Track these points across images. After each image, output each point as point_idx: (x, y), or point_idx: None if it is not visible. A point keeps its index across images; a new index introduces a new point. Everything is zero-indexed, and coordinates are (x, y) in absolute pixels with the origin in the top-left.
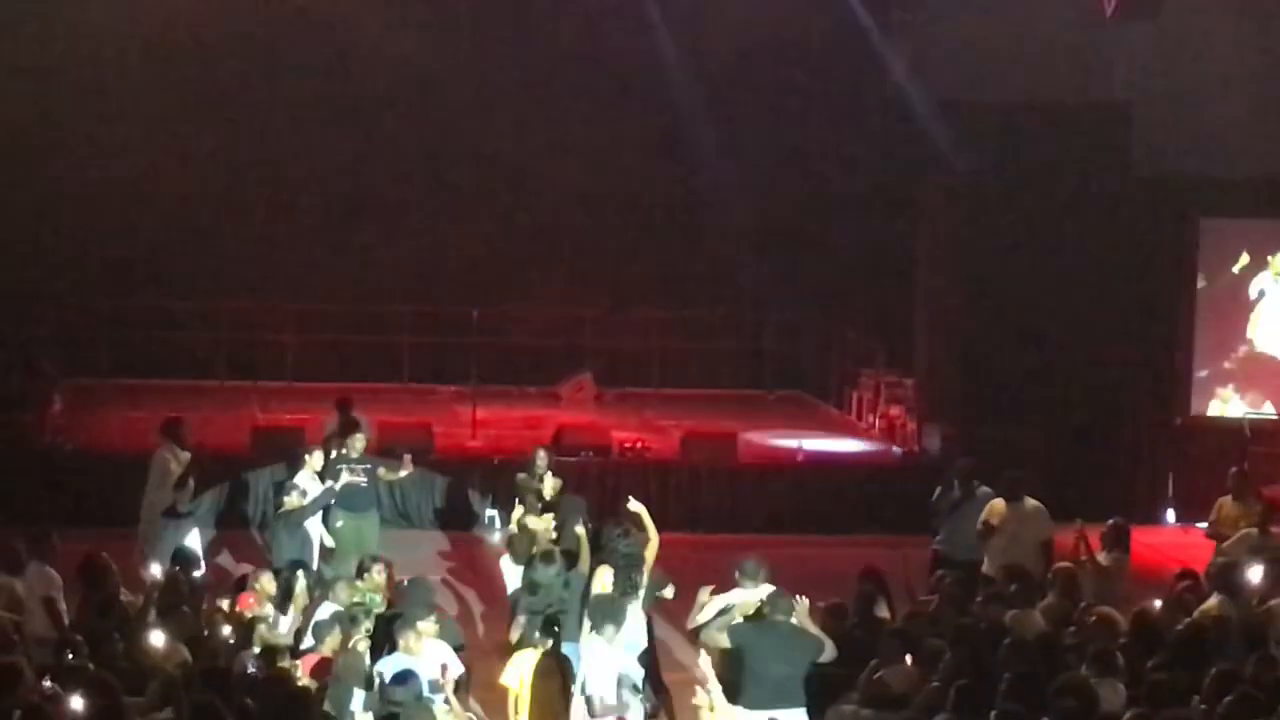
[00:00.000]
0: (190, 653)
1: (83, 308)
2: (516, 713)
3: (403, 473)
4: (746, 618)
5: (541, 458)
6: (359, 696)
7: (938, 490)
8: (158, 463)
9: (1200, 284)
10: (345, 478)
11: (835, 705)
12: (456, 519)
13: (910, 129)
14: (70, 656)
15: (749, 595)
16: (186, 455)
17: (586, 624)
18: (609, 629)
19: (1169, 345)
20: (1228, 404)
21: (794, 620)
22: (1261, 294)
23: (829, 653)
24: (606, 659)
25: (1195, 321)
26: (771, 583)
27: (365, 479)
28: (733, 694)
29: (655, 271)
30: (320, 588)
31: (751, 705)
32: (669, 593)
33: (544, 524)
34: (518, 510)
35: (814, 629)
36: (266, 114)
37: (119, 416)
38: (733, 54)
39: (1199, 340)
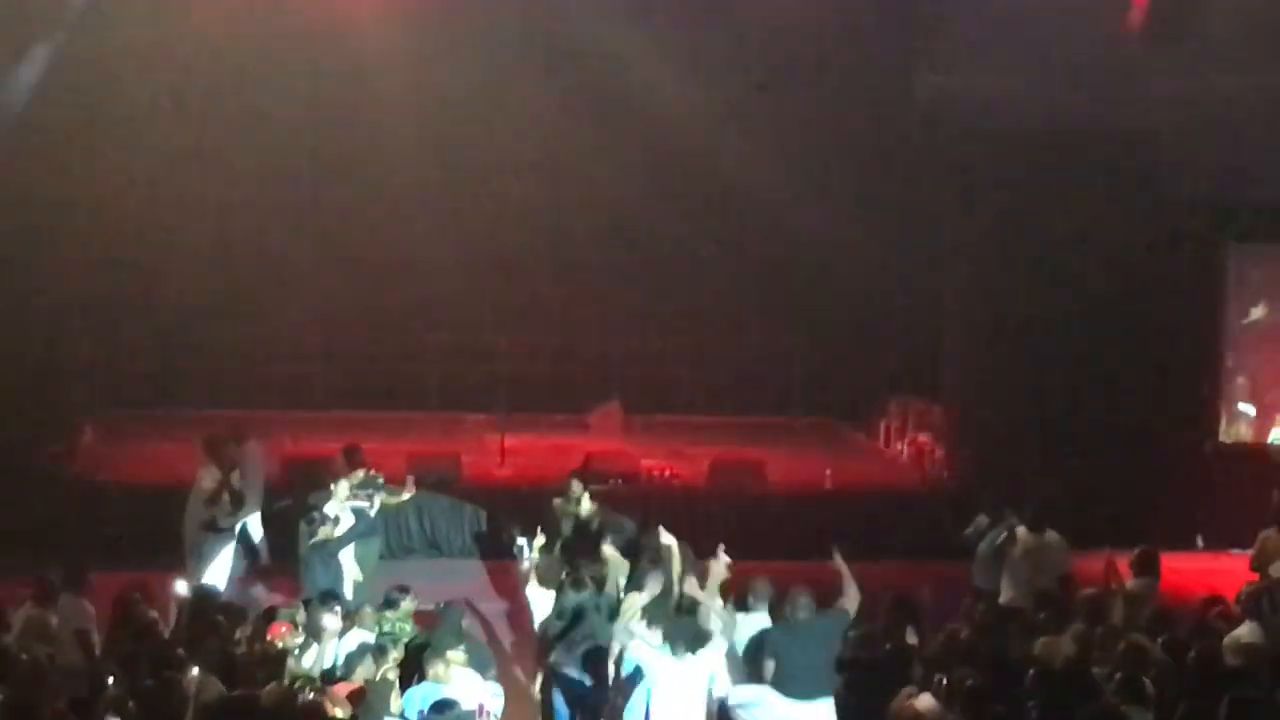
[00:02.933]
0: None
1: (112, 336)
2: None
3: (405, 495)
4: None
5: (576, 485)
6: None
7: (978, 520)
8: (197, 479)
9: (1260, 313)
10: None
11: None
12: (487, 548)
13: (938, 156)
14: (110, 682)
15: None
16: (218, 473)
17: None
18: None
19: (1199, 371)
20: None
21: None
22: None
23: (853, 598)
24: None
25: (1225, 347)
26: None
27: (367, 504)
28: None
29: (684, 297)
30: (350, 618)
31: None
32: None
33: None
34: (539, 538)
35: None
36: (298, 140)
37: (150, 448)
38: (759, 75)
39: (1261, 369)
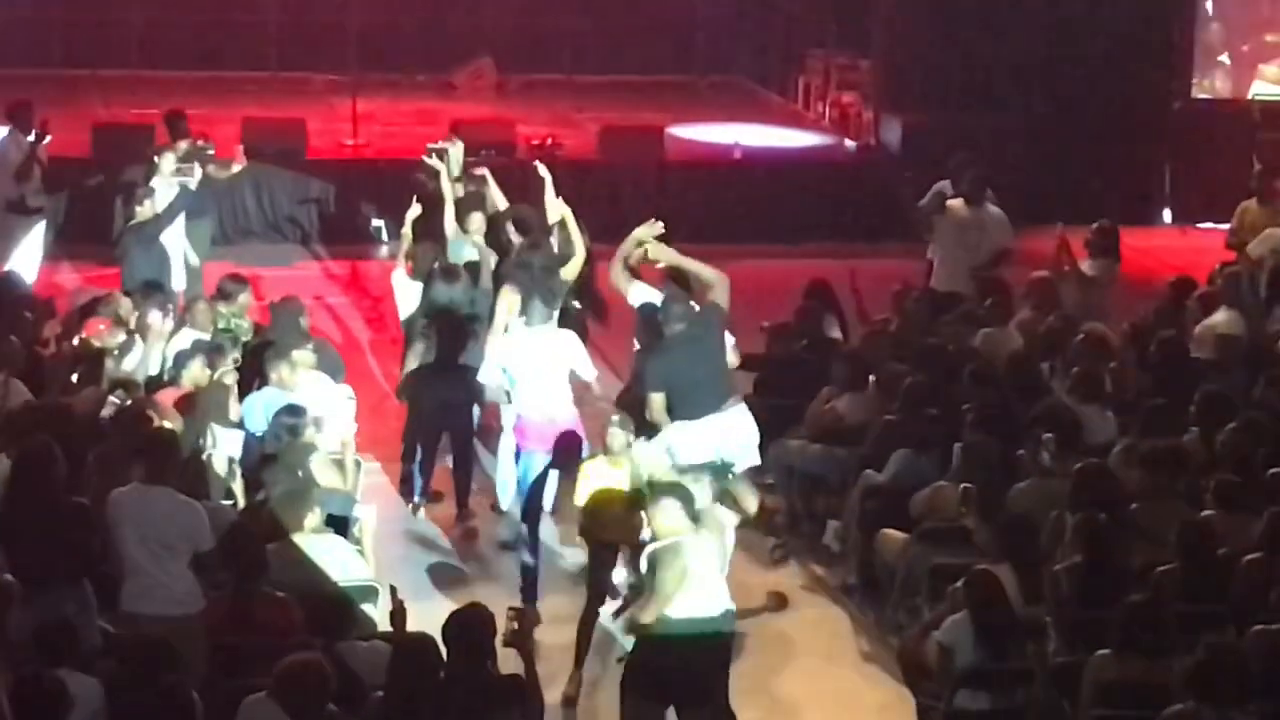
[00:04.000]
0: (27, 389)
1: None
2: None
3: (236, 168)
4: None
5: (455, 155)
6: (225, 436)
7: (938, 186)
8: None
9: None
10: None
11: (779, 439)
12: (338, 231)
13: None
14: None
15: None
16: (29, 141)
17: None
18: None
19: (1165, 13)
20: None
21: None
22: None
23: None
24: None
25: None
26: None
27: (190, 179)
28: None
29: None
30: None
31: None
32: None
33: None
34: (413, 209)
35: None
36: None
37: None
38: None
39: (1241, 13)
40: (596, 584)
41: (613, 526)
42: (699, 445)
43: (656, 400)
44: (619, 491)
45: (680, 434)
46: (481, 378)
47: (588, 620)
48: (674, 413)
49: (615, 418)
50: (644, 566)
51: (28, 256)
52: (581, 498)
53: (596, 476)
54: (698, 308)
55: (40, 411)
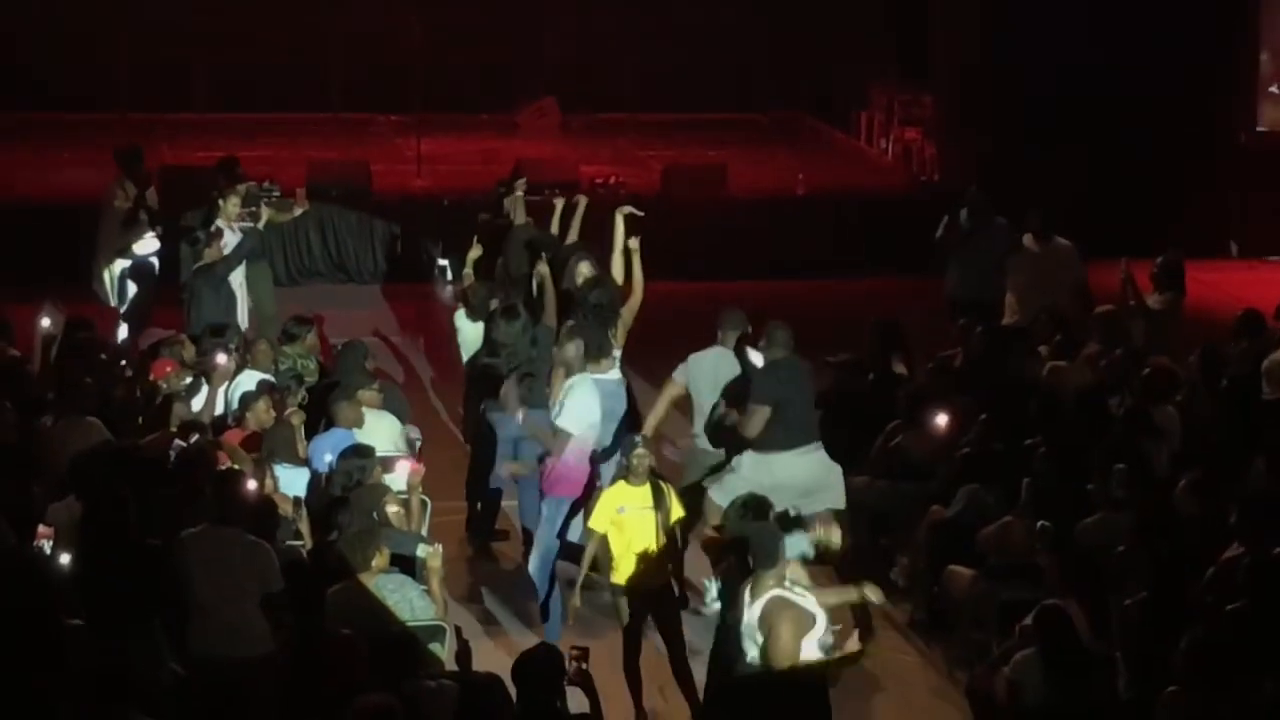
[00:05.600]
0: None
1: None
2: (614, 560)
3: (298, 210)
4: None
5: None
6: (291, 476)
7: (944, 222)
8: (106, 198)
9: None
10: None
11: (845, 475)
12: (402, 270)
13: None
14: None
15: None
16: (133, 190)
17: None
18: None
19: (1230, 46)
20: None
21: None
22: None
23: None
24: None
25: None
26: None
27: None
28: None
29: None
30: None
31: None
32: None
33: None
34: (474, 250)
35: None
36: None
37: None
38: None
39: None
40: (632, 634)
41: (648, 577)
42: (787, 482)
43: (760, 414)
44: (649, 546)
45: (767, 468)
46: (566, 424)
47: (631, 666)
48: (769, 435)
49: (638, 439)
50: (755, 621)
51: (137, 303)
52: (599, 517)
53: (616, 495)
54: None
55: (111, 453)
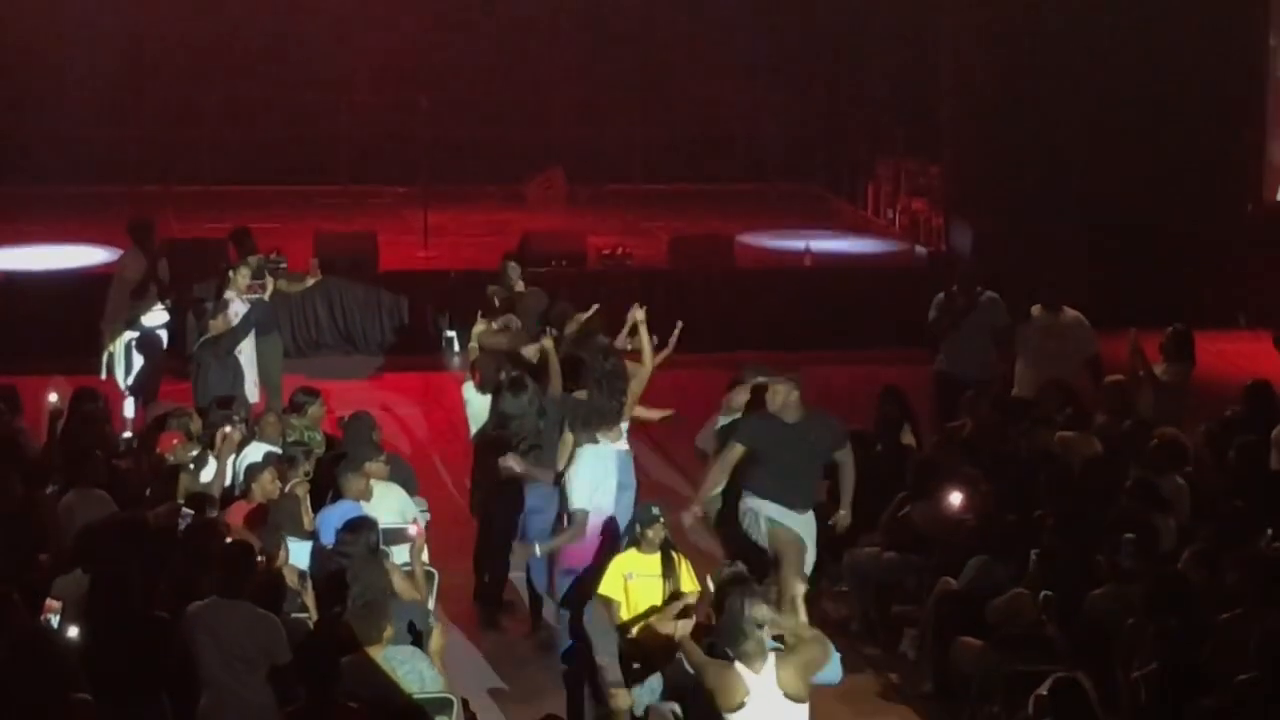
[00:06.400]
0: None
1: None
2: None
3: (308, 281)
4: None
5: (513, 269)
6: (297, 548)
7: (937, 299)
8: (118, 270)
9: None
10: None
11: (853, 548)
12: (409, 342)
13: None
14: None
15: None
16: (145, 262)
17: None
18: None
19: (1237, 121)
20: None
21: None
22: None
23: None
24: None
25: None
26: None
27: (262, 292)
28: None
29: (634, 42)
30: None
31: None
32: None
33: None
34: (479, 325)
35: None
36: None
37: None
38: None
39: None
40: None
41: (658, 653)
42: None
43: (734, 451)
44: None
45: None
46: (580, 503)
47: None
48: (766, 490)
49: (656, 511)
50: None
51: (145, 375)
52: (611, 585)
53: (626, 562)
54: None
55: (117, 526)
